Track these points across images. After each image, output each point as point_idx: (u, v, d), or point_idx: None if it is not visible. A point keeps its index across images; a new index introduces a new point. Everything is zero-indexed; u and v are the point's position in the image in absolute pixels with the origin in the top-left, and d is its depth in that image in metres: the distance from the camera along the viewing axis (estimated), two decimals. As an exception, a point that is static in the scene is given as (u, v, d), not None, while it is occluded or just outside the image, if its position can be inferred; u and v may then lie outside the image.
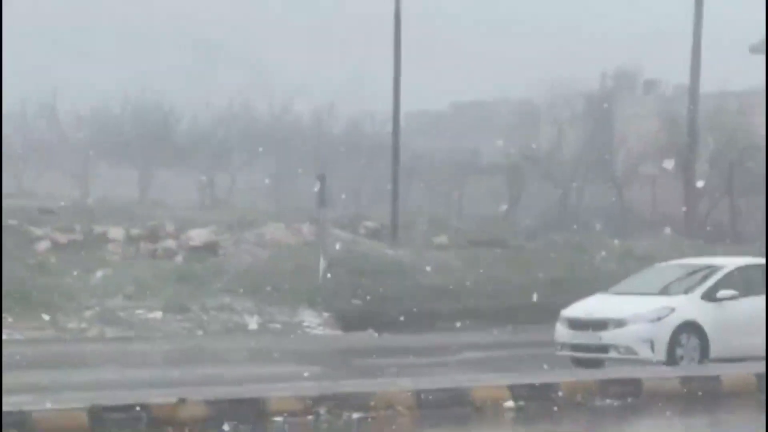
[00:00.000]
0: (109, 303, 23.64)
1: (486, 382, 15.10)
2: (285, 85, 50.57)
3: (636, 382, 15.48)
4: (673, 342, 17.44)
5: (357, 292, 25.19)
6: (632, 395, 15.23)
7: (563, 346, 18.06)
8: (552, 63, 48.02)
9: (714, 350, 17.56)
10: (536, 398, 14.76)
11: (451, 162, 44.09)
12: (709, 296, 17.91)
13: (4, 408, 12.75)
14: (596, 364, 17.64)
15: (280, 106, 50.85)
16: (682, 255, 29.12)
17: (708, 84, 35.31)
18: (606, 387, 15.26)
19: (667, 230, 34.71)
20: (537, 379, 15.52)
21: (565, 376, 15.69)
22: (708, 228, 34.73)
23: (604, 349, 17.62)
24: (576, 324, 17.93)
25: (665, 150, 38.13)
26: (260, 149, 46.78)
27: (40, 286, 23.62)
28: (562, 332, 18.09)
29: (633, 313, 17.62)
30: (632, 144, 40.98)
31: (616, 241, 31.55)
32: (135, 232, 27.83)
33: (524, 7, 63.64)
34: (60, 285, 23.95)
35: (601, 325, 17.69)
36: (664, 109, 40.82)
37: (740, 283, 18.18)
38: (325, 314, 24.62)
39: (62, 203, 32.87)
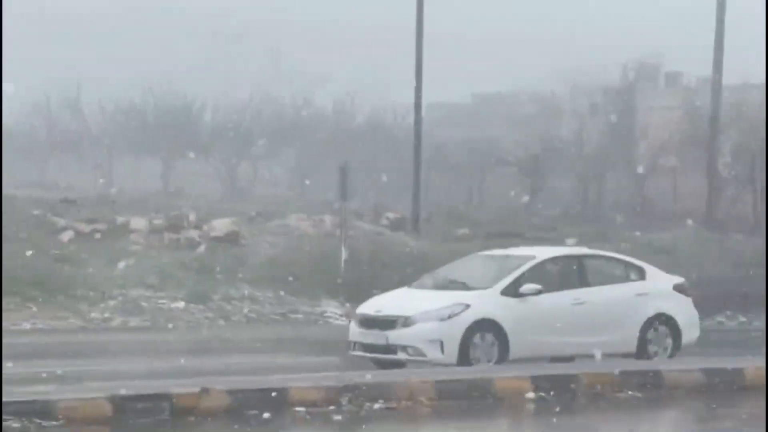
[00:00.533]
0: (131, 293, 23.77)
1: (507, 373, 15.13)
2: (306, 75, 50.63)
3: (657, 374, 15.47)
4: (466, 342, 15.99)
5: (378, 283, 25.22)
6: (653, 387, 15.22)
7: (356, 345, 16.65)
8: (573, 54, 47.93)
9: (514, 350, 16.20)
10: (557, 389, 14.78)
11: (472, 153, 44.06)
12: (511, 291, 16.40)
13: (29, 397, 12.88)
14: (396, 364, 16.21)
15: (301, 97, 50.93)
16: (703, 247, 29.15)
17: (730, 76, 35.20)
18: (627, 378, 15.26)
19: (689, 222, 34.61)
20: (558, 370, 15.54)
21: (585, 368, 15.70)
22: (729, 220, 34.61)
23: (391, 350, 16.20)
24: (365, 322, 16.54)
25: (687, 142, 38.02)
26: (282, 140, 46.83)
27: (63, 276, 23.76)
28: (354, 330, 16.71)
29: (422, 310, 16.17)
30: (654, 136, 40.87)
31: (637, 234, 31.49)
32: (157, 222, 27.92)
33: (546, -2, 63.49)
34: (83, 275, 24.08)
35: (388, 323, 16.26)
36: (686, 101, 40.69)
37: (549, 276, 16.75)
38: (347, 305, 24.69)
39: (85, 194, 33.01)
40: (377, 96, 49.42)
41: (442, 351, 16.03)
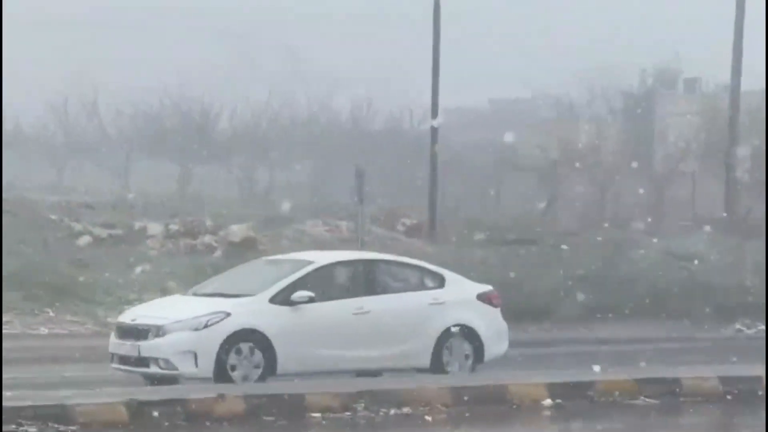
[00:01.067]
0: (148, 298, 23.75)
1: (523, 380, 15.09)
2: (323, 80, 50.69)
3: (674, 382, 15.40)
4: (224, 354, 14.62)
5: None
6: (670, 394, 15.15)
7: (114, 357, 15.23)
8: (592, 59, 47.87)
9: (283, 364, 14.82)
10: (574, 396, 14.73)
11: (488, 159, 44.02)
12: (282, 299, 15.04)
13: (46, 401, 12.91)
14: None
15: (318, 102, 50.99)
16: (721, 253, 28.99)
17: (749, 82, 35.10)
18: (644, 386, 15.20)
19: (707, 228, 34.49)
20: (574, 377, 15.48)
21: (602, 375, 15.64)
22: (748, 226, 34.47)
23: (144, 362, 14.80)
24: (121, 331, 15.19)
25: (706, 148, 37.90)
26: (299, 145, 46.88)
27: (80, 281, 23.80)
28: (112, 340, 15.30)
29: (176, 319, 14.79)
30: (672, 142, 40.78)
31: (654, 240, 31.37)
32: (174, 227, 27.97)
33: (565, 3, 63.44)
34: (100, 280, 24.12)
35: (142, 333, 14.89)
36: (704, 107, 40.59)
37: (329, 283, 15.45)
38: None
39: (103, 198, 33.09)
40: (394, 100, 49.46)
41: (196, 364, 14.65)
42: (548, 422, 14.20)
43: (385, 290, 15.67)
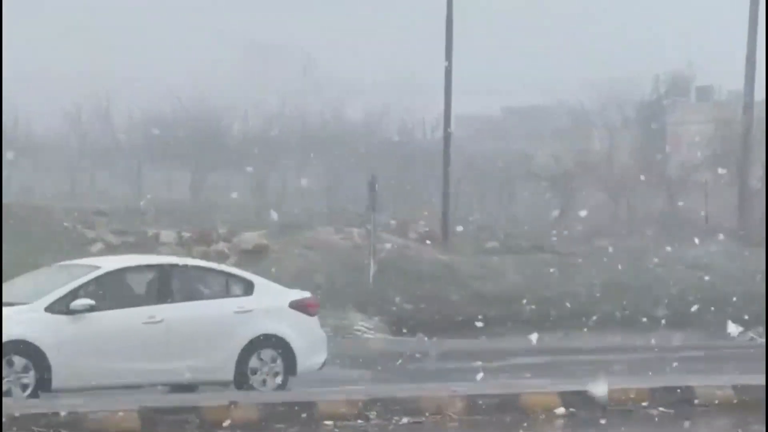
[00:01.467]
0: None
1: (536, 389, 15.07)
2: (337, 87, 50.75)
3: (688, 390, 15.37)
4: None
5: (407, 297, 25.20)
6: (684, 403, 15.11)
7: None
8: (604, 67, 47.86)
9: (59, 378, 13.81)
10: (587, 405, 14.70)
11: (502, 166, 44.02)
12: (60, 307, 14.02)
13: (58, 409, 12.92)
14: None
15: (331, 109, 51.06)
16: (735, 262, 28.94)
17: (763, 90, 35.03)
18: (657, 394, 15.16)
19: (721, 237, 34.42)
20: (587, 386, 15.43)
21: (615, 384, 15.60)
22: (762, 234, 34.38)
23: None
24: None
25: (719, 156, 37.83)
26: (312, 152, 46.93)
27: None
28: None
29: None
30: (685, 150, 40.73)
31: (668, 248, 31.31)
32: (187, 235, 28.01)
33: (577, 10, 63.44)
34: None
35: None
36: (717, 115, 40.55)
37: (119, 290, 14.43)
38: (375, 318, 24.65)
39: (116, 205, 33.15)
40: (407, 108, 49.50)
41: None
42: (560, 430, 14.17)
43: (182, 297, 14.59)
